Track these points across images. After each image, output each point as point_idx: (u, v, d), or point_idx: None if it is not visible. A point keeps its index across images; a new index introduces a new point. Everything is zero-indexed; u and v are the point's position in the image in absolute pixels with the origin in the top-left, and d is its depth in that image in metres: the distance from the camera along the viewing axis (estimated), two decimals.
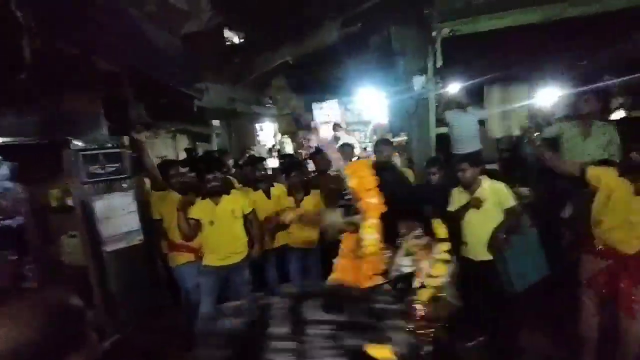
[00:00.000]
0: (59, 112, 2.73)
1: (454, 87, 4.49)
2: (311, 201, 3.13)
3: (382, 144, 3.33)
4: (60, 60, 2.60)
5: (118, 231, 2.94)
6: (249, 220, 2.95)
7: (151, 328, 2.82)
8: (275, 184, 3.35)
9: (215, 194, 2.85)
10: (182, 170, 3.35)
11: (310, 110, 6.39)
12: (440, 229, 1.36)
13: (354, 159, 4.20)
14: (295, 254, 3.17)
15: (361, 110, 6.44)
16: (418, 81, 4.25)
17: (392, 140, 4.51)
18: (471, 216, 2.53)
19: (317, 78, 6.03)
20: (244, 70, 6.32)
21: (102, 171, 2.87)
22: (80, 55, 2.73)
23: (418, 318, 1.20)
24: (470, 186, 2.57)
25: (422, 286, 1.25)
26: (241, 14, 4.67)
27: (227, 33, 5.93)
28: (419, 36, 4.12)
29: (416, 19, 4.04)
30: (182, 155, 6.28)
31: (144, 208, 3.06)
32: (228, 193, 2.94)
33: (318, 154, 3.70)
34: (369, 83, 5.60)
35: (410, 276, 1.26)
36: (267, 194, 3.23)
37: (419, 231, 1.31)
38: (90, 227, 2.83)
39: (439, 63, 4.05)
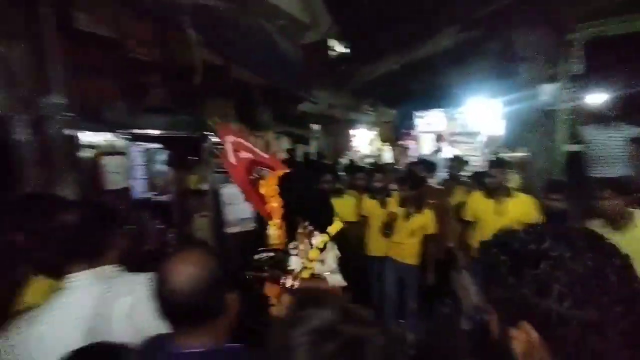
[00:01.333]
0: (202, 113, 3.32)
1: (596, 98, 3.80)
2: (421, 220, 2.84)
3: (494, 166, 2.82)
4: (208, 69, 3.17)
5: (236, 216, 3.38)
6: None
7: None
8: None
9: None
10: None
11: (411, 119, 6.21)
12: (333, 228, 1.61)
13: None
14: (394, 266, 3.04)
15: (468, 121, 5.98)
16: (546, 90, 3.75)
17: (508, 154, 4.07)
18: None
19: (422, 86, 5.85)
20: (347, 78, 6.57)
21: None
22: (224, 65, 3.26)
23: (281, 285, 1.52)
24: (615, 220, 2.04)
25: (304, 267, 1.57)
26: (352, 23, 4.86)
27: (331, 41, 6.25)
28: (548, 40, 3.65)
29: (546, 21, 3.59)
30: (284, 155, 6.89)
31: None
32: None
33: (420, 165, 3.57)
34: (481, 92, 5.19)
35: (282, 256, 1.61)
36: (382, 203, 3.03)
37: (307, 224, 1.62)
38: (218, 210, 3.34)
39: (577, 69, 3.50)
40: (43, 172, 2.26)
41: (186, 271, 0.74)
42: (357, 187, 3.40)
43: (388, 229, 2.81)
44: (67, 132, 2.35)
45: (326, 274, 1.57)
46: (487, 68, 4.74)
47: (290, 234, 1.69)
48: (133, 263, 1.09)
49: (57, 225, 0.94)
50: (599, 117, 3.71)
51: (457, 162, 3.90)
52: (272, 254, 1.58)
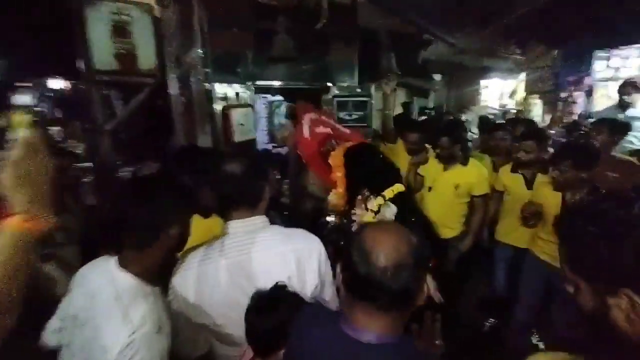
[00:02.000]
0: (324, 61, 3.10)
1: None
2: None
3: None
4: (333, 11, 2.85)
5: None
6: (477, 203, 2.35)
7: None
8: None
9: (443, 160, 2.37)
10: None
11: (582, 63, 4.59)
12: (389, 191, 1.61)
13: None
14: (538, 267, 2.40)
15: None
16: None
17: None
18: None
19: (598, 17, 4.17)
20: (491, 12, 5.25)
21: (349, 117, 3.14)
22: (350, 5, 2.88)
23: None
24: None
25: None
26: None
27: None
28: None
29: None
30: (399, 109, 6.29)
31: None
32: (464, 163, 2.35)
33: (603, 126, 2.58)
34: None
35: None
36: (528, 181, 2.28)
37: (366, 191, 1.66)
38: None
39: None
40: (186, 124, 2.50)
41: (394, 246, 0.67)
42: (493, 150, 2.73)
43: (533, 218, 2.10)
44: (204, 85, 2.50)
45: None
46: None
47: (351, 201, 1.74)
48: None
49: (226, 174, 1.01)
50: None
51: None
52: (335, 220, 1.72)
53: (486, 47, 6.32)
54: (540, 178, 2.17)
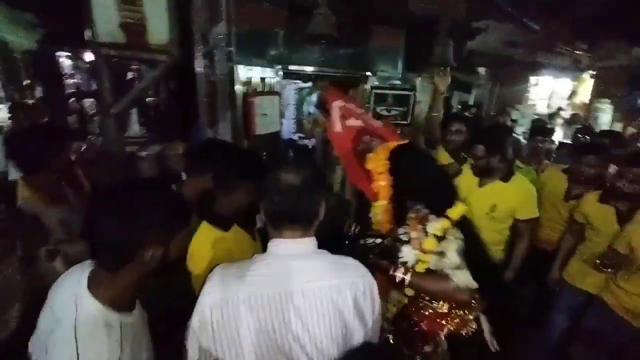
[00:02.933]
0: (365, 45, 2.70)
1: None
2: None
3: None
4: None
5: None
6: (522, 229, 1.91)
7: None
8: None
9: (478, 173, 1.94)
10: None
11: None
12: (454, 211, 1.25)
13: None
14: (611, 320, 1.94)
15: None
16: None
17: None
18: None
19: None
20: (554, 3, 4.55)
21: (388, 113, 2.75)
22: None
23: (396, 282, 1.24)
24: None
25: (418, 260, 1.26)
26: None
27: None
28: None
29: None
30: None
31: None
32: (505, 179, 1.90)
33: None
34: None
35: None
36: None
37: (421, 207, 1.32)
38: None
39: None
40: (209, 108, 2.24)
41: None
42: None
43: (610, 260, 1.68)
44: (228, 67, 2.22)
45: (448, 270, 1.20)
46: None
47: (399, 218, 1.39)
48: None
49: (282, 185, 0.83)
50: None
51: None
52: (379, 240, 1.38)
53: (542, 39, 5.61)
54: None
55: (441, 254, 1.22)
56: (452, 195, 1.34)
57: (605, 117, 4.36)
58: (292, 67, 2.60)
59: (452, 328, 1.28)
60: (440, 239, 1.22)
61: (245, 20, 2.22)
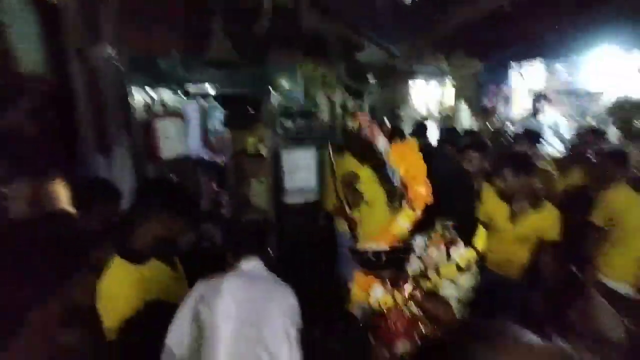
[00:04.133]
0: (265, 66, 2.84)
1: None
2: (538, 220, 1.93)
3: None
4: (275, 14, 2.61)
5: (296, 185, 3.04)
6: None
7: None
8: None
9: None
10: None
11: (501, 73, 5.09)
12: (481, 239, 1.17)
13: None
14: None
15: (574, 76, 4.76)
16: None
17: None
18: None
19: (518, 32, 4.65)
20: (422, 23, 5.51)
21: (293, 125, 2.93)
22: (293, 13, 2.67)
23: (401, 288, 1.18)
24: None
25: (424, 276, 1.17)
26: None
27: None
28: None
29: None
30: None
31: (323, 169, 3.03)
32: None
33: (526, 138, 2.77)
34: (605, 40, 3.96)
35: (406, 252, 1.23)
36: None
37: (450, 224, 1.21)
38: (276, 177, 3.01)
39: None
40: (95, 132, 2.04)
41: None
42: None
43: None
44: (119, 88, 2.07)
45: (451, 300, 1.14)
46: (609, 12, 3.54)
47: (419, 228, 1.27)
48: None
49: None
50: None
51: (591, 135, 2.94)
52: (387, 248, 1.23)
53: (415, 53, 6.67)
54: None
55: (453, 282, 1.15)
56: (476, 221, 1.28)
57: (465, 116, 5.41)
58: (194, 88, 2.56)
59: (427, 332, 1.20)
60: (460, 269, 1.13)
61: (137, 42, 2.12)
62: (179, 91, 2.50)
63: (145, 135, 2.13)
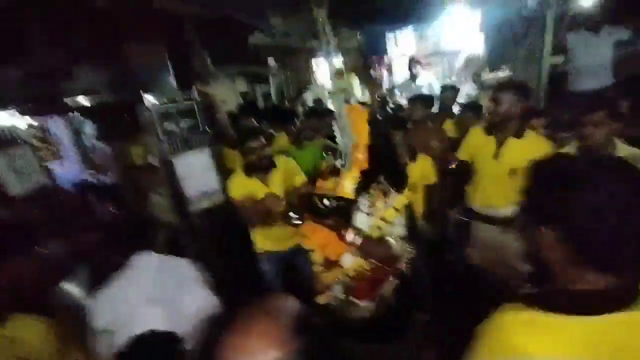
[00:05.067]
0: (127, 67, 2.56)
1: (586, 1, 3.36)
2: (419, 168, 2.31)
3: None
4: (121, 6, 2.33)
5: (198, 190, 2.91)
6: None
7: None
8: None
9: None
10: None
11: (380, 43, 5.50)
12: (409, 193, 1.49)
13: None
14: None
15: (438, 39, 5.40)
16: None
17: (490, 75, 3.70)
18: None
19: (387, 2, 5.02)
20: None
21: (177, 128, 2.75)
22: None
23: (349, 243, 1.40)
24: (598, 146, 1.72)
25: (376, 226, 1.42)
26: None
27: None
28: None
29: None
30: (239, 99, 6.11)
31: (222, 166, 2.94)
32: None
33: (418, 101, 3.03)
34: (455, 1, 4.53)
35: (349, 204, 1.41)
36: None
37: (383, 180, 1.45)
38: (174, 186, 2.83)
39: None
40: None
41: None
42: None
43: None
44: None
45: (390, 239, 1.42)
46: None
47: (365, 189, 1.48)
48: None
49: None
50: (586, 22, 3.34)
51: (450, 92, 3.46)
52: (340, 202, 1.39)
53: (307, 29, 6.72)
54: None
55: (392, 224, 1.43)
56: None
57: (356, 88, 5.76)
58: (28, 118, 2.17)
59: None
60: (397, 211, 1.43)
61: None
62: (17, 114, 2.11)
63: None
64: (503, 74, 3.69)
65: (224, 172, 2.96)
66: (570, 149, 1.90)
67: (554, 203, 0.64)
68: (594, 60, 3.30)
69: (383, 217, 1.41)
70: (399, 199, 1.44)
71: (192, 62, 2.57)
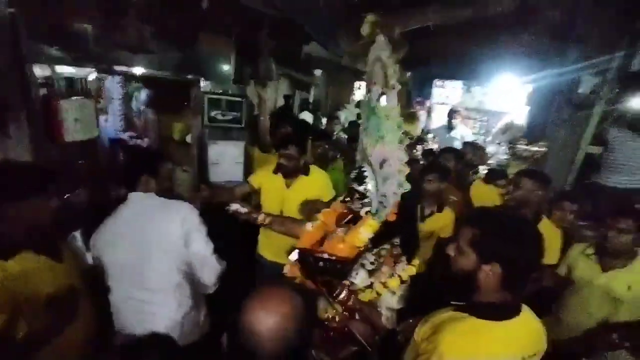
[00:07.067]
0: (194, 51, 2.75)
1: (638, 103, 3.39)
2: (442, 220, 2.26)
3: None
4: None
5: (221, 178, 3.04)
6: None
7: None
8: None
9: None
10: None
11: (427, 87, 5.63)
12: (416, 262, 1.36)
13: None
14: None
15: (484, 97, 5.47)
16: (588, 82, 3.31)
17: (525, 147, 3.74)
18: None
19: (448, 50, 5.15)
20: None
21: (222, 117, 2.91)
22: None
23: (340, 299, 1.27)
24: (618, 252, 1.71)
25: (370, 286, 1.29)
26: None
27: None
28: (618, 21, 3.09)
29: None
30: (281, 101, 6.30)
31: (249, 164, 3.07)
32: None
33: (449, 153, 3.06)
34: (512, 68, 4.62)
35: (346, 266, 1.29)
36: None
37: (397, 242, 1.36)
38: (202, 168, 2.97)
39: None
40: None
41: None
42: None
43: None
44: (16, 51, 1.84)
45: (383, 309, 1.31)
46: (528, 42, 4.11)
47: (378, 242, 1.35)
48: None
49: None
50: (632, 122, 3.36)
51: (472, 148, 3.51)
52: (337, 264, 1.26)
53: (358, 52, 6.90)
54: None
55: (393, 293, 1.30)
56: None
57: None
58: (116, 67, 2.37)
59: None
60: (403, 282, 1.29)
61: (41, 11, 1.89)
62: (93, 71, 2.31)
63: (47, 115, 1.93)
64: (539, 149, 3.72)
65: (251, 171, 3.09)
66: (586, 246, 1.89)
67: (504, 248, 0.90)
68: (632, 160, 3.31)
69: (385, 283, 1.29)
70: (408, 270, 1.31)
71: (257, 62, 2.73)
